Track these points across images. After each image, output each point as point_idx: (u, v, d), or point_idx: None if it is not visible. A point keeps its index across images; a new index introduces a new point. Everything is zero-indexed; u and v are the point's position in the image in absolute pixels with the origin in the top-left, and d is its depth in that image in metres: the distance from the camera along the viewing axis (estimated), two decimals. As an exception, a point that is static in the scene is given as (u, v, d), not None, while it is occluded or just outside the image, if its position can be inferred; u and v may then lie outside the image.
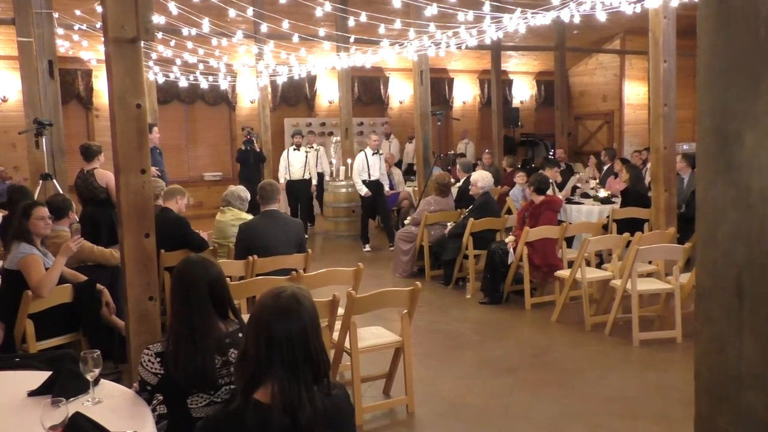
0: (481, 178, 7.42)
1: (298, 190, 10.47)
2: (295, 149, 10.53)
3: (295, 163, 10.43)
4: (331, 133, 13.59)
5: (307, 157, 10.49)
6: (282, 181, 10.36)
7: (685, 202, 7.67)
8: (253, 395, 1.89)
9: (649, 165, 8.55)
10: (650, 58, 6.34)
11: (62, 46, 9.64)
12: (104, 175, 6.26)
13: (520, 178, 8.77)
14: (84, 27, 8.94)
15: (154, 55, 9.43)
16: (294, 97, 13.93)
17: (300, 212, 10.46)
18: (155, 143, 8.42)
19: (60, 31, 8.67)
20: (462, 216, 7.44)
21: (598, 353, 5.17)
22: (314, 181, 10.74)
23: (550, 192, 7.34)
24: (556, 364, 4.97)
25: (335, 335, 4.10)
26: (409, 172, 12.55)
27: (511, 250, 6.51)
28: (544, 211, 6.53)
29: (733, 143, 1.15)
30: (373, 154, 9.67)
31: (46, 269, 4.24)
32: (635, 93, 16.00)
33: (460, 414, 4.15)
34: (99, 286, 4.54)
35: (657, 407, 4.15)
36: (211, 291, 2.55)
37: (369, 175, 9.57)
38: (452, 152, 13.57)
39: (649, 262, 5.97)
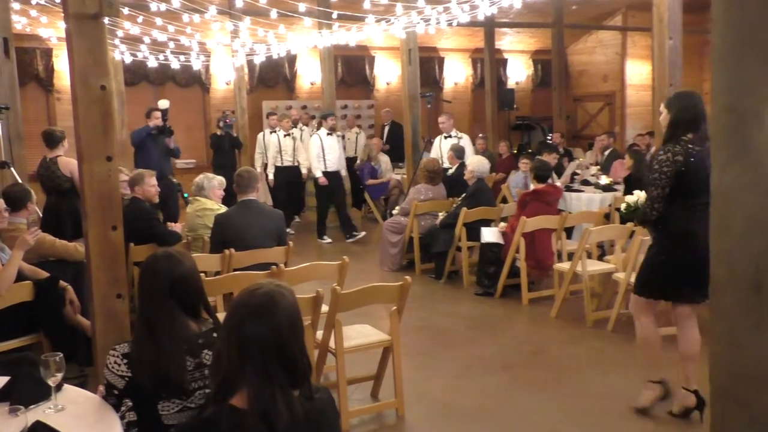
0: (478, 164, 7.41)
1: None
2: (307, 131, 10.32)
3: (332, 150, 9.82)
4: (313, 117, 13.52)
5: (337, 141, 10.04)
6: (268, 169, 10.12)
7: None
8: (228, 400, 1.87)
9: (653, 150, 8.56)
10: (654, 35, 6.34)
11: (18, 23, 9.48)
12: (68, 163, 6.19)
13: (524, 164, 8.76)
14: (42, 1, 8.80)
15: (120, 33, 9.30)
16: (273, 78, 13.82)
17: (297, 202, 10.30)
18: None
19: (16, 5, 8.53)
20: (454, 205, 7.44)
21: (600, 350, 5.19)
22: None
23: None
24: (555, 362, 4.98)
25: (319, 334, 4.08)
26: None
27: (484, 232, 6.54)
28: (533, 201, 6.53)
29: (751, 123, 1.13)
30: (328, 134, 9.58)
31: (2, 265, 4.18)
32: (638, 73, 16.04)
33: (453, 416, 4.16)
34: (62, 282, 4.49)
35: (662, 407, 4.16)
36: (177, 288, 2.52)
37: (326, 164, 9.50)
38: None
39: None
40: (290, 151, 10.07)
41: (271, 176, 10.06)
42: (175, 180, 8.90)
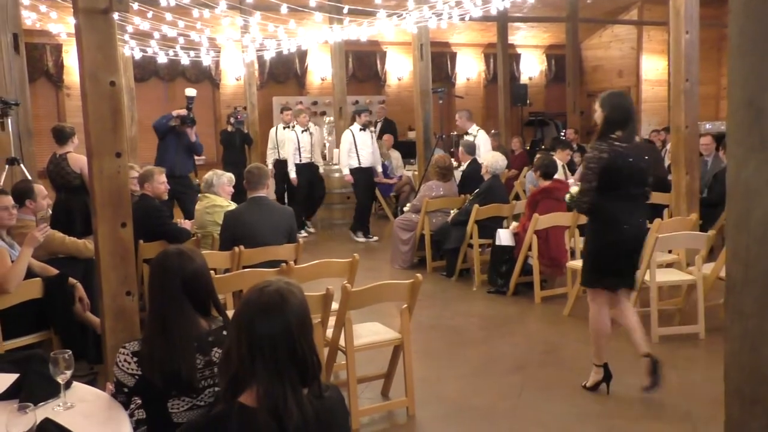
0: (493, 160, 7.39)
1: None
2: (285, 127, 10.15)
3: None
4: (323, 113, 13.52)
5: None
6: (289, 167, 9.87)
7: (707, 186, 7.65)
8: (237, 398, 1.88)
9: (668, 146, 8.52)
10: (671, 29, 6.29)
11: (28, 18, 9.55)
12: (78, 159, 6.23)
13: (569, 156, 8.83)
14: (52, -3, 8.87)
15: (129, 28, 9.34)
16: (283, 73, 13.85)
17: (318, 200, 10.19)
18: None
19: (25, 1, 8.59)
20: (466, 201, 7.43)
21: (614, 350, 5.14)
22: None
23: (560, 176, 7.32)
24: (569, 362, 4.96)
25: (329, 332, 4.08)
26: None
27: (500, 234, 6.54)
28: (544, 199, 6.51)
29: (769, 117, 1.12)
30: (361, 130, 9.42)
31: (12, 262, 4.21)
32: (654, 68, 15.94)
33: (464, 416, 4.15)
34: (71, 280, 4.51)
35: (678, 408, 4.14)
36: (188, 285, 2.52)
37: (359, 160, 9.36)
38: (454, 133, 13.54)
39: (669, 252, 5.95)
40: (308, 148, 9.91)
41: (293, 175, 9.81)
42: (196, 181, 8.76)
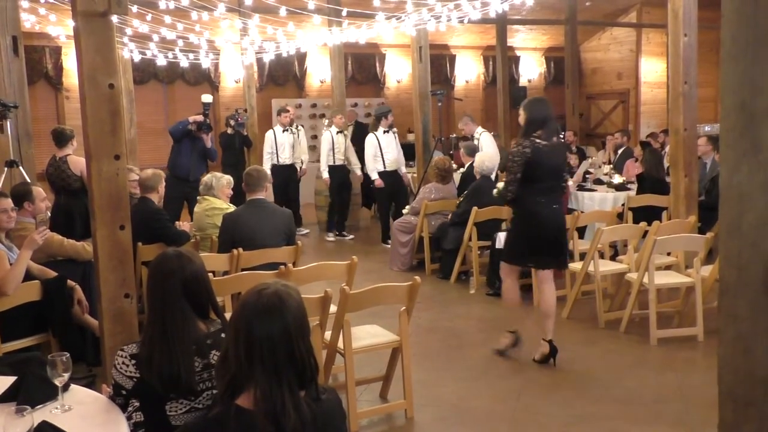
0: (480, 162, 7.36)
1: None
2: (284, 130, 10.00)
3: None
4: (322, 116, 13.52)
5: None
6: (322, 168, 9.72)
7: (706, 188, 7.66)
8: (235, 401, 1.88)
9: (667, 148, 8.53)
10: (669, 31, 6.30)
11: (27, 20, 9.54)
12: (78, 162, 6.24)
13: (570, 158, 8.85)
14: None
15: (128, 31, 9.35)
16: (282, 76, 13.84)
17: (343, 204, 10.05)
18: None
19: (25, 3, 8.59)
20: (460, 201, 7.42)
21: (613, 352, 5.17)
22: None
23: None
24: (567, 365, 4.96)
25: (327, 335, 4.09)
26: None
27: (500, 237, 6.55)
28: None
29: (761, 122, 1.13)
30: (385, 132, 9.28)
31: (10, 265, 4.21)
32: (653, 70, 15.95)
33: (463, 419, 4.15)
34: (70, 282, 4.52)
35: (676, 411, 4.15)
36: (187, 288, 2.52)
37: (384, 164, 9.21)
38: (453, 135, 13.54)
39: (668, 254, 5.96)
40: (342, 150, 9.74)
41: (326, 175, 9.65)
42: None
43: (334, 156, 9.70)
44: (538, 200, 4.80)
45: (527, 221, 4.89)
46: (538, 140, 4.74)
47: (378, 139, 9.27)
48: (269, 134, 9.91)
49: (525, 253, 4.96)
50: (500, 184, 5.07)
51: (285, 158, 9.89)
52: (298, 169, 10.13)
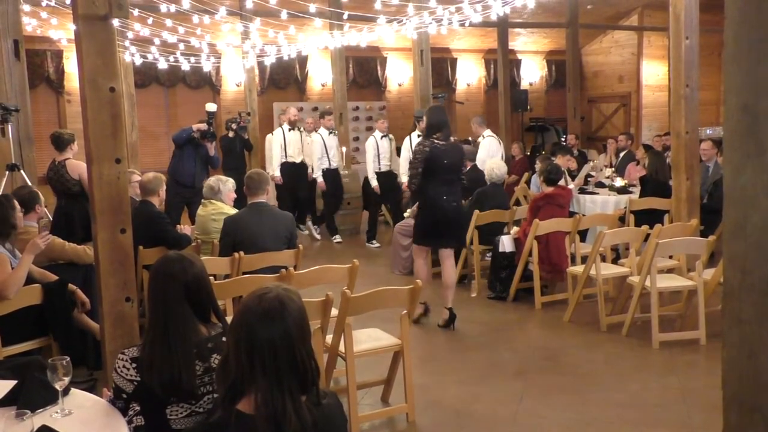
0: (489, 170, 7.40)
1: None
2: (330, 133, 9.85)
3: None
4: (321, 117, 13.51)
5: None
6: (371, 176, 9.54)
7: (708, 191, 7.65)
8: (235, 405, 1.87)
9: (669, 151, 8.52)
10: (671, 34, 6.30)
11: (29, 24, 9.55)
12: (77, 166, 6.23)
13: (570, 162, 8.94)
14: (52, 3, 8.87)
15: (129, 34, 9.36)
16: (283, 79, 13.85)
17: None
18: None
19: (26, 7, 8.61)
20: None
21: (615, 356, 5.16)
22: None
23: (561, 182, 7.31)
24: (569, 368, 4.95)
25: (328, 338, 4.08)
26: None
27: (503, 241, 6.55)
28: (546, 205, 6.51)
29: (765, 123, 1.12)
30: (419, 135, 9.37)
31: (12, 269, 4.21)
32: (654, 73, 15.94)
33: (464, 422, 4.14)
34: (71, 286, 4.51)
35: (678, 414, 4.13)
36: (189, 291, 2.52)
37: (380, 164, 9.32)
38: (454, 139, 13.52)
39: (670, 257, 5.95)
40: (388, 155, 9.61)
41: (375, 183, 9.47)
42: None
43: (379, 162, 9.49)
44: (438, 191, 5.69)
45: (429, 209, 5.76)
46: (436, 141, 5.68)
47: (411, 144, 9.04)
48: (277, 133, 9.83)
49: (429, 235, 5.84)
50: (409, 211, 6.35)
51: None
52: (309, 168, 10.06)
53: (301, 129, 10.17)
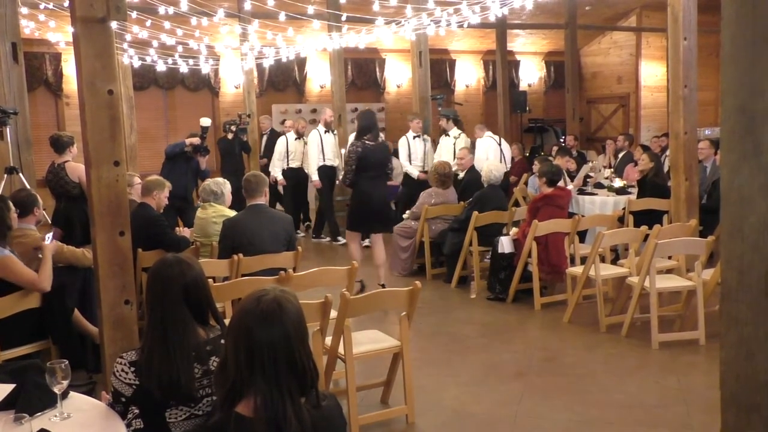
0: (488, 171, 7.41)
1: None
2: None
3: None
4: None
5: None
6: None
7: (707, 192, 7.65)
8: (234, 408, 1.87)
9: (667, 152, 8.53)
10: (669, 35, 6.30)
11: (27, 27, 9.56)
12: (76, 168, 6.23)
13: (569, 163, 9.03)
14: (50, 6, 8.88)
15: (128, 37, 9.36)
16: (282, 81, 13.86)
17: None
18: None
19: (24, 10, 8.60)
20: (464, 208, 7.44)
21: (614, 356, 5.16)
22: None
23: (560, 183, 7.32)
24: (569, 369, 4.95)
25: (328, 340, 4.08)
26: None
27: (502, 242, 6.55)
28: (545, 206, 6.51)
29: (761, 124, 1.12)
30: (414, 137, 9.34)
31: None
32: (653, 74, 15.96)
33: (464, 424, 4.14)
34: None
35: (678, 415, 4.13)
36: (188, 294, 2.52)
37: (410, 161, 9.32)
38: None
39: (669, 258, 5.95)
40: (421, 155, 9.46)
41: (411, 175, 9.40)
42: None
43: (410, 162, 9.41)
44: (368, 184, 6.62)
45: (361, 199, 6.73)
46: (367, 141, 6.58)
47: (446, 143, 9.37)
48: (314, 136, 9.76)
49: (362, 222, 6.81)
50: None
51: (296, 163, 9.92)
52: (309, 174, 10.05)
53: (334, 131, 10.00)
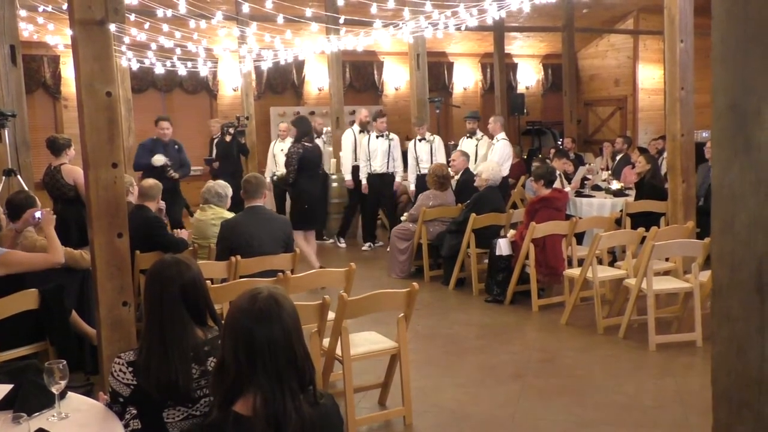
0: (489, 169, 7.40)
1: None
2: (378, 136, 9.31)
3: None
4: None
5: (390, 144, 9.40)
6: (361, 174, 9.34)
7: (705, 193, 7.67)
8: (232, 407, 1.88)
9: (665, 154, 8.55)
10: (666, 38, 6.33)
11: (25, 30, 9.57)
12: (72, 171, 6.24)
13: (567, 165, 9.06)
14: (49, 8, 8.89)
15: (126, 39, 9.37)
16: (280, 84, 13.88)
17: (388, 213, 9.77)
18: (166, 137, 8.47)
19: (23, 12, 8.61)
20: (462, 210, 7.44)
21: (612, 358, 5.16)
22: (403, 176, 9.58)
23: (558, 185, 7.35)
24: (566, 370, 4.96)
25: (325, 341, 4.08)
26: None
27: (500, 244, 6.56)
28: (543, 208, 6.52)
29: (752, 121, 1.13)
30: (420, 140, 9.33)
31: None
32: (650, 76, 16.00)
33: (462, 425, 4.14)
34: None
35: (675, 416, 4.14)
36: (186, 295, 2.52)
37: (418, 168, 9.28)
38: (452, 143, 13.55)
39: (666, 259, 5.96)
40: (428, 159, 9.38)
41: (413, 188, 9.33)
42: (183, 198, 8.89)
43: (418, 164, 9.36)
44: (307, 182, 7.56)
45: (300, 197, 7.58)
46: (306, 143, 7.56)
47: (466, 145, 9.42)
48: (348, 135, 9.65)
49: (303, 220, 7.46)
50: (279, 172, 8.63)
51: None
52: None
53: (369, 131, 9.70)
